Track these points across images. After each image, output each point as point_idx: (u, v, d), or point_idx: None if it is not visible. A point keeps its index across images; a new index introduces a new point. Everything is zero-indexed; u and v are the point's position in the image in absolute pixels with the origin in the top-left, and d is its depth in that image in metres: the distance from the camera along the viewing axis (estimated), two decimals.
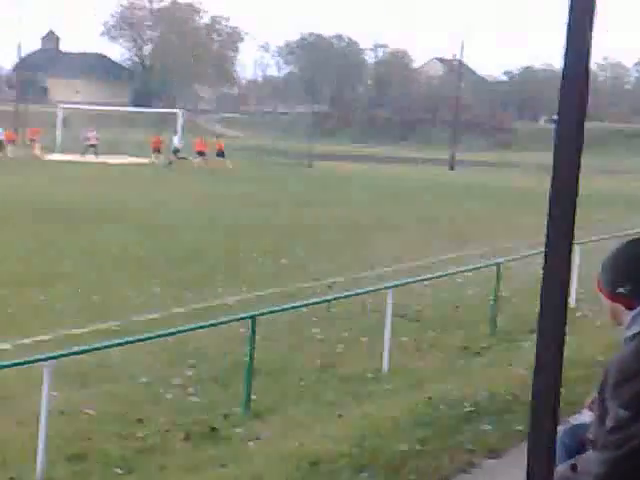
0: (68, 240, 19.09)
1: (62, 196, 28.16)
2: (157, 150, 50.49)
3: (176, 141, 51.24)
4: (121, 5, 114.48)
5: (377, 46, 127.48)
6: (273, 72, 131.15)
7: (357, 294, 11.80)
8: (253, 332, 8.79)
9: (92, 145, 53.16)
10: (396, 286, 11.04)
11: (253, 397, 8.74)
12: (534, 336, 2.07)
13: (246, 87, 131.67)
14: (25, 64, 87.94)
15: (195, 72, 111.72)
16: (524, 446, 2.07)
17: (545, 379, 1.95)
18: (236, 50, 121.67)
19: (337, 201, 31.09)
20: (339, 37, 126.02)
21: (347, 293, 11.79)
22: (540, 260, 2.01)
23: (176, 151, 50.59)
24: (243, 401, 8.66)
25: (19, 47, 74.77)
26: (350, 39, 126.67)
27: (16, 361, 7.84)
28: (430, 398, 8.41)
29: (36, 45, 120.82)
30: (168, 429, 8.06)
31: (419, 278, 13.02)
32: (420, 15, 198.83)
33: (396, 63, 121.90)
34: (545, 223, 1.92)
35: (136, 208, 25.86)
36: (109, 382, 9.46)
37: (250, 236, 21.17)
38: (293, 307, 11.09)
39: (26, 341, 11.04)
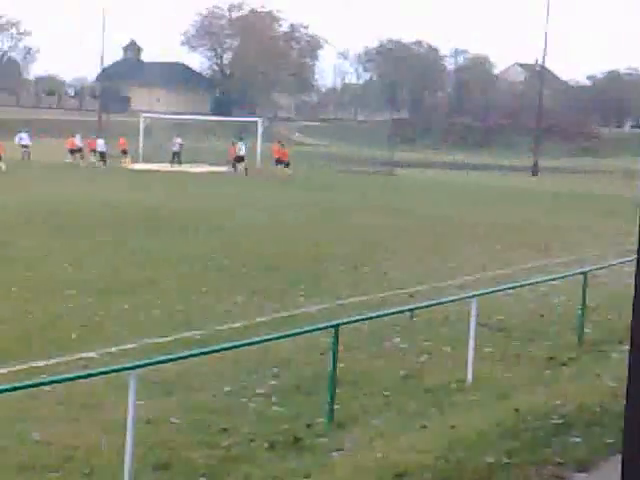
0: (152, 249, 19.31)
1: (146, 205, 28.52)
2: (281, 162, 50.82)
3: (242, 149, 50.83)
4: (201, 15, 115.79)
5: (457, 52, 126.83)
6: (352, 79, 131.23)
7: (440, 303, 11.69)
8: (336, 341, 8.75)
9: (176, 153, 53.96)
10: (480, 295, 10.91)
11: (336, 407, 8.71)
12: (623, 347, 2.00)
13: (325, 95, 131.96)
14: (107, 74, 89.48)
15: (274, 80, 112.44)
16: (615, 460, 2.00)
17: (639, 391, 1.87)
18: (315, 58, 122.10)
19: (418, 209, 30.92)
20: (419, 43, 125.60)
21: (430, 302, 11.70)
22: (628, 269, 1.94)
23: (240, 159, 50.32)
24: (326, 411, 8.63)
25: (102, 57, 75.80)
26: (430, 45, 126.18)
27: (102, 369, 7.94)
28: (517, 410, 8.28)
29: (118, 55, 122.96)
30: (252, 438, 8.07)
31: (503, 287, 12.85)
32: (501, 19, 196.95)
33: (476, 69, 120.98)
34: (636, 230, 1.85)
35: (218, 217, 26.05)
36: (193, 391, 9.52)
37: (331, 245, 21.17)
38: (375, 316, 11.03)
39: (112, 349, 11.18)
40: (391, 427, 8.41)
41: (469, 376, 9.98)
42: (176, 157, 54.04)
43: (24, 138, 53.73)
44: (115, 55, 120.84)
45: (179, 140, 55.49)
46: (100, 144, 51.98)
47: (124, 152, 52.36)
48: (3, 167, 41.20)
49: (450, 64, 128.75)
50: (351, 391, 9.52)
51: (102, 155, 51.15)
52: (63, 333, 11.92)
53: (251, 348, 10.43)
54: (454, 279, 16.77)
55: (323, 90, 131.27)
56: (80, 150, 51.62)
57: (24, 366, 10.30)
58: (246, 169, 48.22)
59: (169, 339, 11.80)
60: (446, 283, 16.37)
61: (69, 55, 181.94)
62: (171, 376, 9.84)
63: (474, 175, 56.50)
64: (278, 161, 48.90)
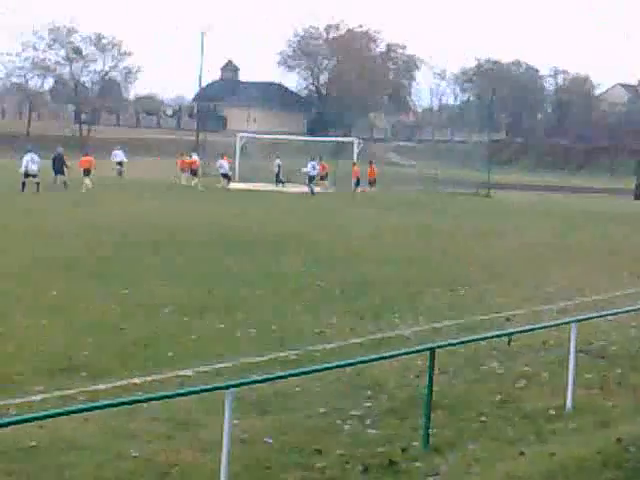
0: (247, 268, 19.44)
1: (241, 224, 28.79)
2: (325, 177, 51.09)
3: (309, 168, 50.64)
4: (298, 35, 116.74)
5: (557, 72, 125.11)
6: (449, 100, 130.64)
7: (538, 328, 11.48)
8: (432, 365, 8.64)
9: (276, 174, 54.57)
10: (580, 321, 10.65)
11: (432, 431, 8.59)
12: None
13: (422, 115, 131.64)
14: (205, 94, 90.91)
15: (370, 101, 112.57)
16: None
17: None
18: (412, 78, 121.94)
19: (516, 231, 30.52)
20: (517, 63, 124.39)
21: (528, 327, 11.49)
22: None
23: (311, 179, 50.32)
24: (422, 435, 8.52)
25: (200, 78, 76.99)
26: (528, 65, 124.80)
27: (199, 387, 7.97)
28: (619, 440, 8.05)
29: (216, 75, 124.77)
30: (347, 461, 8.01)
31: (604, 313, 12.55)
32: (602, 40, 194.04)
33: (577, 90, 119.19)
34: None
35: (312, 237, 26.13)
36: (288, 411, 9.50)
37: (427, 266, 21.02)
38: (472, 340, 10.89)
39: (206, 368, 11.25)
40: (488, 453, 8.26)
41: (568, 403, 9.75)
42: (277, 177, 54.70)
43: (118, 155, 54.83)
44: (213, 75, 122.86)
45: (278, 161, 56.04)
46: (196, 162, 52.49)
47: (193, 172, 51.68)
48: (89, 184, 41.87)
49: (549, 84, 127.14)
50: (447, 415, 9.39)
51: (195, 173, 51.38)
52: (159, 350, 12.05)
53: (345, 369, 10.41)
54: (552, 303, 16.46)
55: (419, 111, 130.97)
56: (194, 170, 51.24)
57: (122, 382, 10.44)
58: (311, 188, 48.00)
59: (264, 358, 11.83)
60: (544, 307, 16.07)
61: (168, 75, 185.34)
62: (266, 396, 9.86)
63: (573, 198, 55.58)
64: (370, 182, 48.89)
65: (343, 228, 29.38)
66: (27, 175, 38.06)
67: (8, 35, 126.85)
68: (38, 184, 37.61)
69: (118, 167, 53.95)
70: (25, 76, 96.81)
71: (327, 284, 17.83)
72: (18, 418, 6.97)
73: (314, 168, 50.33)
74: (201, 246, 22.74)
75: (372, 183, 48.81)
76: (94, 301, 15.11)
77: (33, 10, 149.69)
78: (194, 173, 50.27)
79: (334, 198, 45.60)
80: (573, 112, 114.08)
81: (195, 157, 53.19)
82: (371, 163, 50.39)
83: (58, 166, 41.75)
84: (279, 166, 56.19)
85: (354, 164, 50.27)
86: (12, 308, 14.21)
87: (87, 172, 43.05)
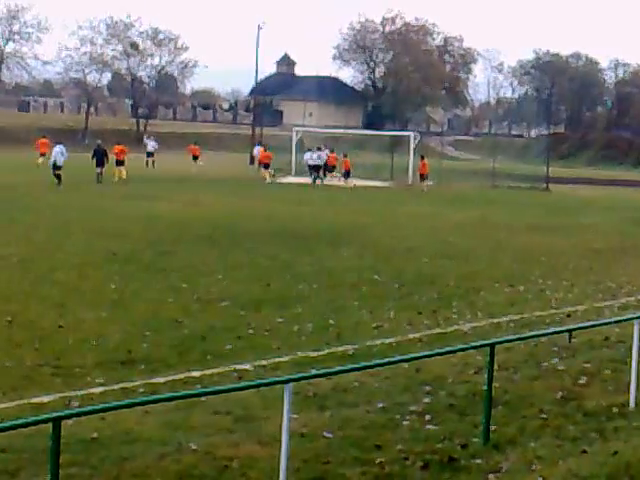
0: (304, 263, 19.43)
1: (297, 219, 28.81)
2: (333, 169, 50.74)
3: (315, 158, 50.36)
4: (354, 29, 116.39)
5: (617, 64, 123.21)
6: (507, 93, 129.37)
7: (600, 324, 11.31)
8: (491, 361, 8.55)
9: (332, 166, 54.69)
10: None
11: (492, 427, 8.50)
12: None
13: (479, 109, 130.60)
14: (261, 88, 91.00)
15: (427, 94, 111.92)
16: None
17: None
18: (468, 71, 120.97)
19: (576, 226, 30.13)
20: (576, 56, 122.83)
21: (590, 323, 11.32)
22: None
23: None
24: (482, 431, 8.44)
25: (256, 72, 77.05)
26: (588, 57, 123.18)
27: (259, 381, 7.98)
28: None
29: (272, 69, 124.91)
30: (406, 456, 7.96)
31: None
32: None
33: (638, 82, 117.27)
34: None
35: (370, 231, 26.06)
36: (346, 406, 9.47)
37: (485, 262, 20.84)
38: (532, 336, 10.76)
39: (264, 362, 11.27)
40: (549, 451, 8.15)
41: (632, 401, 9.58)
42: (324, 171, 54.83)
43: (150, 144, 55.93)
44: (269, 69, 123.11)
45: (325, 153, 56.08)
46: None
47: (266, 166, 51.93)
48: (124, 174, 42.40)
49: (610, 77, 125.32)
50: (507, 412, 9.29)
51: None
52: (217, 344, 12.11)
53: (403, 364, 10.34)
54: (614, 299, 16.24)
55: (477, 104, 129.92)
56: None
57: (181, 376, 10.51)
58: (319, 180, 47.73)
59: (321, 353, 11.83)
60: (605, 303, 15.85)
61: (224, 69, 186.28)
62: (324, 390, 9.85)
63: (634, 192, 54.75)
64: (422, 176, 48.52)
65: (400, 222, 29.25)
66: (55, 167, 38.40)
67: (67, 31, 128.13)
68: (60, 176, 37.90)
69: (149, 157, 54.96)
70: (83, 71, 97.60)
71: (384, 279, 17.77)
72: (80, 410, 7.04)
73: (319, 158, 49.87)
74: (258, 240, 22.78)
75: (424, 178, 48.39)
76: (152, 295, 15.24)
77: (91, 6, 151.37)
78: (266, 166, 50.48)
79: (390, 192, 45.43)
80: (634, 105, 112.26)
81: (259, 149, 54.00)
82: (422, 158, 50.02)
83: (99, 159, 42.20)
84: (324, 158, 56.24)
85: (422, 158, 50.01)
86: (72, 301, 14.37)
87: (121, 162, 43.53)
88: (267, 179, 47.99)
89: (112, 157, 43.04)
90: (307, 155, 50.84)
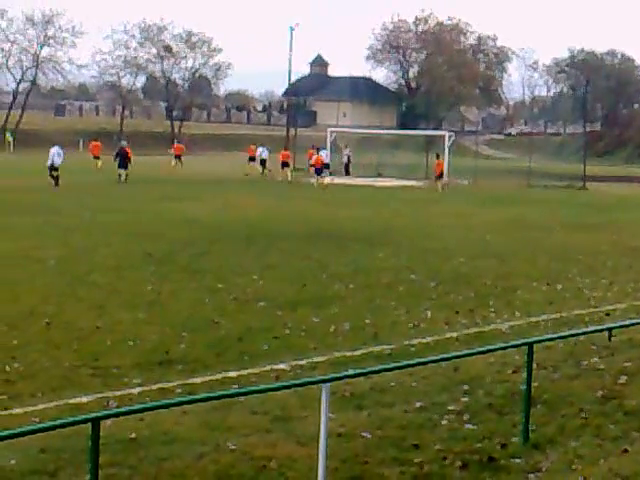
0: (340, 263, 19.40)
1: (332, 219, 28.79)
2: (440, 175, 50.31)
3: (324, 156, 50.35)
4: (387, 29, 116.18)
5: None
6: (542, 92, 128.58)
7: None
8: (530, 360, 8.47)
9: (345, 164, 55.08)
10: None
11: (531, 427, 8.42)
12: None
13: (513, 107, 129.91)
14: (295, 89, 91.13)
15: (461, 93, 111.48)
16: None
17: None
18: (503, 70, 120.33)
19: (614, 224, 29.85)
20: (612, 53, 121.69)
21: (630, 321, 11.20)
22: None
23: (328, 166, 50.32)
24: (521, 431, 8.37)
25: (289, 73, 77.12)
26: (624, 55, 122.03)
27: (296, 381, 7.96)
28: None
29: (305, 70, 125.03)
30: (445, 456, 7.91)
31: None
32: None
33: None
34: None
35: (405, 231, 25.99)
36: (384, 406, 9.42)
37: (522, 261, 20.68)
38: (571, 335, 10.67)
39: (301, 362, 11.26)
40: (590, 450, 8.07)
41: None
42: (346, 168, 55.23)
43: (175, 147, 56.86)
44: (302, 70, 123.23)
45: (347, 152, 56.41)
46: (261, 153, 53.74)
47: (285, 164, 52.00)
48: (123, 175, 42.67)
49: None
50: (546, 411, 9.20)
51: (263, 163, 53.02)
52: (254, 344, 12.12)
53: (441, 364, 10.28)
54: None
55: (511, 103, 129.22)
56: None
57: (218, 376, 10.52)
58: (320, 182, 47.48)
59: (358, 353, 11.79)
60: None
61: (258, 71, 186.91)
62: (362, 390, 9.82)
63: None
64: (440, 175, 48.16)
65: (435, 222, 29.14)
66: (52, 168, 38.57)
67: (101, 34, 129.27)
68: (57, 177, 38.06)
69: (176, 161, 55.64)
70: (118, 74, 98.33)
71: (420, 278, 17.70)
72: (119, 410, 7.05)
73: (326, 157, 49.69)
74: (293, 240, 22.79)
75: (440, 177, 48.02)
76: (189, 295, 15.28)
77: (125, 9, 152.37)
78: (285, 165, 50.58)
79: (425, 192, 45.26)
80: None
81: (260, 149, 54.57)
82: (438, 157, 49.74)
83: (121, 160, 42.54)
84: (348, 157, 56.42)
85: (437, 157, 49.71)
86: (109, 303, 14.44)
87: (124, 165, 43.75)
88: (288, 177, 48.12)
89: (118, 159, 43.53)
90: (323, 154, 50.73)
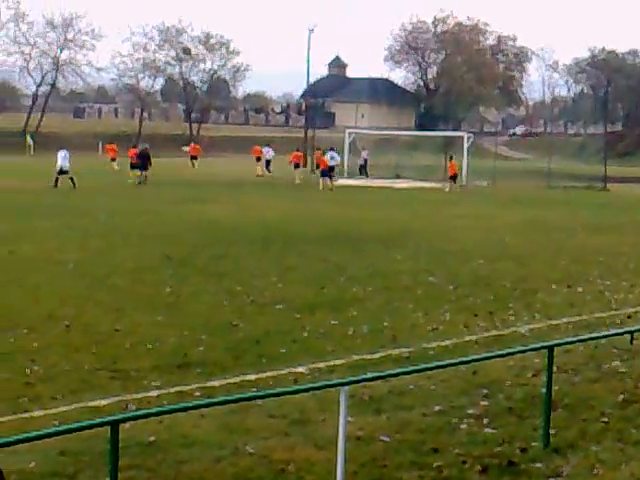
0: (358, 265, 19.35)
1: (350, 221, 28.76)
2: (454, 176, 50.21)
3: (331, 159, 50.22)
4: (405, 30, 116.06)
5: None
6: (562, 92, 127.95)
7: None
8: (550, 363, 8.41)
9: (362, 166, 55.23)
10: None
11: (552, 431, 8.37)
12: None
13: (533, 108, 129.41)
14: (313, 90, 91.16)
15: (480, 94, 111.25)
16: None
17: None
18: (522, 70, 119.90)
19: (635, 225, 29.65)
20: (634, 53, 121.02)
21: None
22: None
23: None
24: (541, 435, 8.31)
25: (307, 74, 77.09)
26: None
27: (314, 385, 7.94)
28: None
29: (323, 72, 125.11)
30: (464, 460, 7.87)
31: None
32: None
33: None
34: None
35: (424, 233, 25.92)
36: (402, 409, 9.39)
37: (542, 263, 20.57)
38: (592, 338, 10.60)
39: (319, 365, 11.23)
40: (611, 455, 8.01)
41: None
42: (363, 170, 55.36)
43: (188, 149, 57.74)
44: (320, 71, 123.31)
45: (364, 153, 56.50)
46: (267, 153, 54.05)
47: (297, 166, 51.88)
48: (143, 177, 43.19)
49: None
50: (567, 415, 9.14)
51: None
52: (272, 347, 12.09)
53: (460, 367, 10.23)
54: None
55: (531, 103, 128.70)
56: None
57: (236, 379, 10.50)
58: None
59: (377, 356, 11.76)
60: None
61: (276, 72, 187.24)
62: (380, 393, 9.78)
63: None
64: (452, 177, 47.93)
65: (454, 224, 29.05)
66: (61, 172, 38.81)
67: (120, 37, 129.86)
68: (72, 179, 38.32)
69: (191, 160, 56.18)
70: (137, 77, 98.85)
71: (439, 281, 17.64)
72: (138, 413, 7.05)
73: (332, 158, 49.12)
74: (311, 243, 22.77)
75: (453, 178, 47.83)
76: (207, 298, 15.28)
77: (143, 12, 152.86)
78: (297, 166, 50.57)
79: (443, 193, 45.14)
80: None
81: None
82: (451, 159, 49.55)
83: (143, 162, 42.83)
84: (365, 159, 56.52)
85: (451, 158, 49.55)
86: (128, 305, 14.46)
87: (135, 166, 44.26)
88: (296, 179, 48.11)
89: (128, 160, 43.87)
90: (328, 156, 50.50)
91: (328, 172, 45.56)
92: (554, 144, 77.94)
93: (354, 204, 35.72)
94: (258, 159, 55.02)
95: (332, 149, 51.05)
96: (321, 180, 44.74)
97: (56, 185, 38.13)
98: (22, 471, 7.41)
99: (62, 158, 39.22)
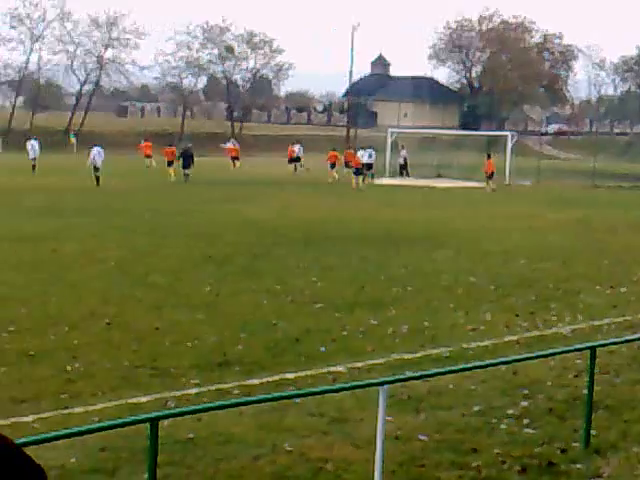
0: (398, 264, 19.30)
1: (391, 221, 28.69)
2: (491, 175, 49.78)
3: (365, 157, 49.77)
4: (449, 28, 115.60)
5: None
6: (609, 91, 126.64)
7: None
8: (592, 364, 8.34)
9: (402, 165, 55.21)
10: None
11: (592, 432, 8.29)
12: None
13: (579, 107, 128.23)
14: (355, 89, 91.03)
15: (525, 93, 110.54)
16: None
17: None
18: (568, 69, 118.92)
19: None
20: None
21: None
22: None
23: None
24: (582, 436, 8.25)
25: (350, 73, 77.02)
26: None
27: (353, 384, 7.94)
28: None
29: (366, 70, 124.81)
30: (503, 460, 7.83)
31: None
32: None
33: None
34: None
35: (465, 233, 25.78)
36: (442, 409, 9.35)
37: (585, 263, 20.36)
38: (635, 339, 10.48)
39: (358, 364, 11.21)
40: None
41: None
42: (403, 170, 55.25)
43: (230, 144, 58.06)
44: (363, 70, 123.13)
45: (404, 152, 56.41)
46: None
47: (333, 165, 51.83)
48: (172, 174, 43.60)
49: None
50: (608, 416, 9.06)
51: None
52: (311, 346, 12.09)
53: (501, 367, 10.18)
54: None
55: (577, 102, 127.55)
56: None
57: (275, 377, 10.52)
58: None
59: (417, 355, 11.72)
60: None
61: (318, 71, 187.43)
62: (419, 393, 9.75)
63: None
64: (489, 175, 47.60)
65: (496, 223, 28.87)
66: (95, 169, 39.11)
67: (164, 36, 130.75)
68: (99, 178, 38.61)
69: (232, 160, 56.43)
70: (180, 75, 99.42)
71: (480, 280, 17.54)
72: (177, 411, 7.10)
73: (370, 156, 49.70)
74: (351, 242, 22.74)
75: (490, 177, 47.46)
76: (247, 297, 15.32)
77: (187, 11, 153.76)
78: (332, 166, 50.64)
79: (487, 192, 44.86)
80: None
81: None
82: (489, 157, 49.16)
83: (186, 160, 43.25)
84: (405, 158, 56.40)
85: (488, 157, 49.20)
86: (168, 304, 14.54)
87: (170, 163, 44.78)
88: (329, 178, 48.18)
89: (163, 159, 44.33)
90: (365, 155, 50.72)
91: (362, 170, 45.79)
92: (600, 143, 77.15)
93: (395, 203, 35.63)
94: (291, 160, 55.61)
95: (370, 147, 51.19)
96: (354, 178, 44.74)
97: (98, 184, 38.43)
98: (63, 466, 7.48)
99: (96, 155, 39.58)
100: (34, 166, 46.08)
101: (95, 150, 39.97)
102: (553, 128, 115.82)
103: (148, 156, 55.10)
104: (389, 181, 50.83)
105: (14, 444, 1.42)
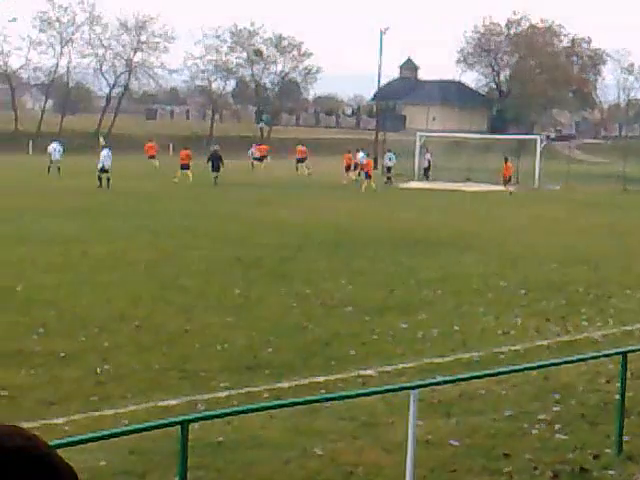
0: (428, 268, 19.23)
1: (420, 224, 28.60)
2: (508, 179, 49.54)
3: (387, 161, 51.22)
4: (478, 32, 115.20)
5: None
6: (638, 94, 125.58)
7: None
8: (624, 369, 8.25)
9: (426, 169, 55.19)
10: None
11: (625, 438, 8.21)
12: None
13: (608, 111, 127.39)
14: (384, 93, 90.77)
15: (553, 97, 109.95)
16: None
17: None
18: (597, 73, 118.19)
19: None
20: None
21: None
22: None
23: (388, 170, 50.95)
24: (614, 442, 8.16)
25: (379, 76, 76.84)
26: None
27: (384, 387, 7.90)
28: None
29: (395, 74, 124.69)
30: (535, 466, 7.76)
31: None
32: None
33: None
34: None
35: (494, 237, 25.66)
36: (473, 413, 9.29)
37: (616, 267, 20.20)
38: None
39: (388, 368, 11.17)
40: None
41: None
42: (426, 173, 55.20)
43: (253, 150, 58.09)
44: (392, 73, 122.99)
45: (428, 156, 56.39)
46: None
47: (348, 168, 51.85)
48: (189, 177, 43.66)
49: None
50: None
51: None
52: (341, 349, 12.07)
53: (531, 372, 10.10)
54: None
55: (605, 107, 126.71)
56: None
57: (305, 381, 10.50)
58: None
59: (447, 359, 11.66)
60: None
61: (347, 74, 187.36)
62: (450, 397, 9.70)
63: None
64: (506, 180, 47.50)
65: (526, 227, 28.73)
66: (103, 170, 39.16)
67: (192, 39, 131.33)
68: (109, 180, 38.72)
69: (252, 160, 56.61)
70: (208, 79, 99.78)
71: (510, 284, 17.44)
72: (207, 414, 7.09)
73: (390, 159, 51.33)
74: (380, 246, 22.70)
75: (507, 181, 47.31)
76: (276, 300, 15.31)
77: (216, 14, 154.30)
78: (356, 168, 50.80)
79: (516, 196, 44.65)
80: None
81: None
82: (506, 160, 48.96)
83: (215, 163, 43.48)
84: (429, 161, 56.32)
85: (506, 160, 49.03)
86: (198, 306, 14.56)
87: (186, 166, 44.67)
88: (344, 181, 48.36)
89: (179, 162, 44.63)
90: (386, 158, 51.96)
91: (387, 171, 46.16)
92: (629, 147, 76.56)
93: (423, 207, 35.52)
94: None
95: (389, 150, 51.82)
96: (365, 182, 44.69)
97: (100, 185, 38.60)
98: (93, 469, 7.48)
99: (105, 157, 39.74)
100: (58, 168, 46.35)
101: (104, 152, 40.15)
102: (553, 134, 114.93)
103: (152, 157, 55.24)
104: (417, 184, 50.69)
105: (48, 446, 1.40)
